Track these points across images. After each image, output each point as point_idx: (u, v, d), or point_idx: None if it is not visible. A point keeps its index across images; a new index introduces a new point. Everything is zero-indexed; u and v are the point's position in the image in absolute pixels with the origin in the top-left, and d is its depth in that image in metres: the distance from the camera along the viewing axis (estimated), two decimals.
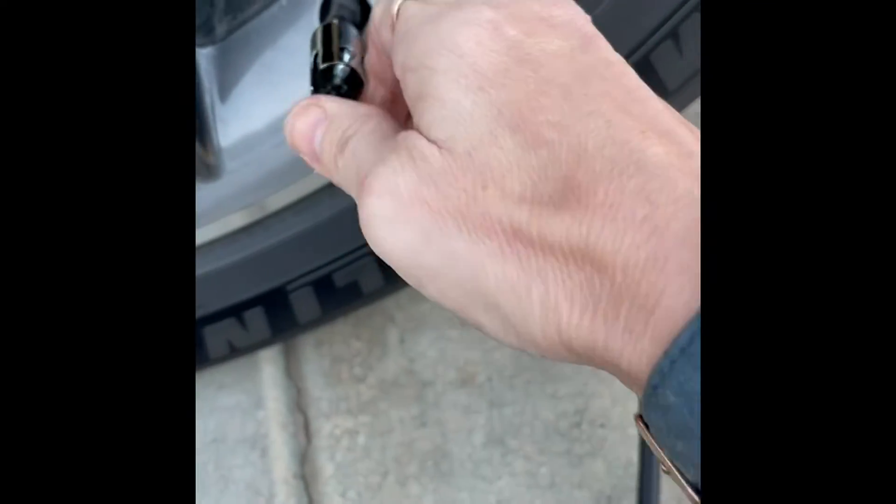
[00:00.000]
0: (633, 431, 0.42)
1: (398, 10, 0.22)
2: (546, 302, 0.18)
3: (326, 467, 0.43)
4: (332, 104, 0.24)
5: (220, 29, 0.35)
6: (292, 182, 0.36)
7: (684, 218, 0.17)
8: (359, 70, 0.27)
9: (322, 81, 0.27)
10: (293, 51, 0.34)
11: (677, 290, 0.16)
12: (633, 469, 0.41)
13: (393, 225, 0.19)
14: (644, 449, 0.37)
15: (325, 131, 0.23)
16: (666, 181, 0.17)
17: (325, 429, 0.44)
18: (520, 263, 0.18)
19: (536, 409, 0.43)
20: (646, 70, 0.32)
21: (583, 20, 0.21)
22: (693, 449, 0.17)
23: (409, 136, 0.20)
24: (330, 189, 0.37)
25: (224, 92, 0.35)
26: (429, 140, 0.19)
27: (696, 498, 0.17)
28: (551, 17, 0.20)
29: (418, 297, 0.47)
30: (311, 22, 0.33)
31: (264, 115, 0.35)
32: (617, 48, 0.21)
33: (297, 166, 0.36)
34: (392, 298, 0.47)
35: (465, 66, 0.19)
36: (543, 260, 0.18)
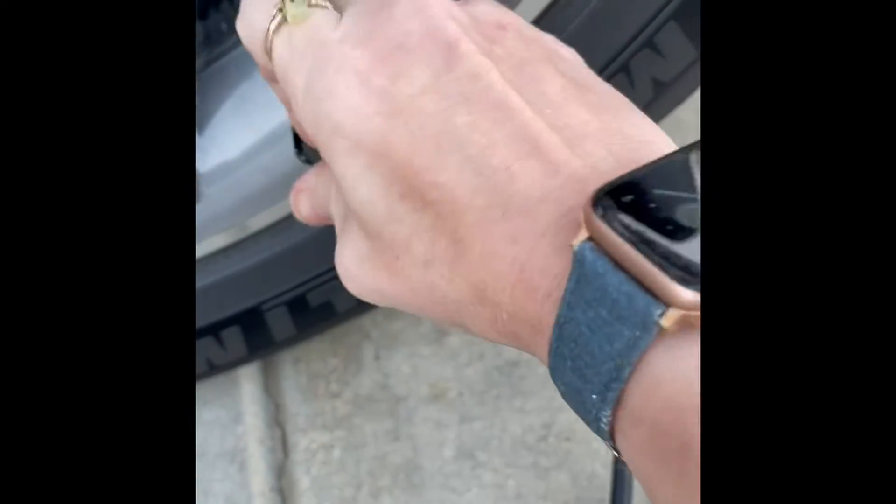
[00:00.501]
0: (597, 445, 0.43)
1: (270, 44, 0.23)
2: (482, 329, 0.21)
3: (303, 480, 0.45)
4: (310, 180, 0.27)
5: (199, 62, 0.37)
6: (266, 206, 0.38)
7: (545, 247, 0.18)
8: None
9: (303, 145, 0.29)
10: (266, 83, 0.35)
11: (549, 311, 0.18)
12: (598, 481, 0.42)
13: (356, 282, 0.23)
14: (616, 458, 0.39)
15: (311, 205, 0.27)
16: (527, 217, 0.19)
17: (301, 443, 0.46)
18: (446, 308, 0.21)
19: (504, 423, 0.45)
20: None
21: (439, 25, 0.20)
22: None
23: (347, 219, 0.23)
24: None
25: (202, 121, 0.37)
26: (355, 223, 0.22)
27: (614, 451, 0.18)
28: (407, 37, 0.20)
29: (393, 315, 0.49)
30: None
31: (240, 143, 0.37)
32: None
33: (271, 191, 0.38)
34: (368, 316, 0.49)
35: (352, 146, 0.20)
36: (459, 305, 0.20)
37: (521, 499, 0.42)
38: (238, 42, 0.36)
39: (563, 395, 0.19)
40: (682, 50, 0.33)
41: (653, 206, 0.17)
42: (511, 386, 0.46)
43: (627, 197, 0.17)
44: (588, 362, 0.17)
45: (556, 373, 0.19)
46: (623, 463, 0.21)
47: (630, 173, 0.18)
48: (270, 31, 0.22)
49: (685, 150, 0.19)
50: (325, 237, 0.39)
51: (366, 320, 0.49)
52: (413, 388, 0.46)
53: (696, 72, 0.35)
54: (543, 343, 0.19)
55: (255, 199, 0.38)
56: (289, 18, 0.22)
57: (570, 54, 0.23)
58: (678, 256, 0.16)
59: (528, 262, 0.19)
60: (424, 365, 0.47)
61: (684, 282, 0.16)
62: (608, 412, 0.17)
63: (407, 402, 0.46)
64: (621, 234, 0.17)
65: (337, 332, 0.49)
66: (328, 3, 0.23)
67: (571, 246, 0.17)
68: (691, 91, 0.36)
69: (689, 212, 0.17)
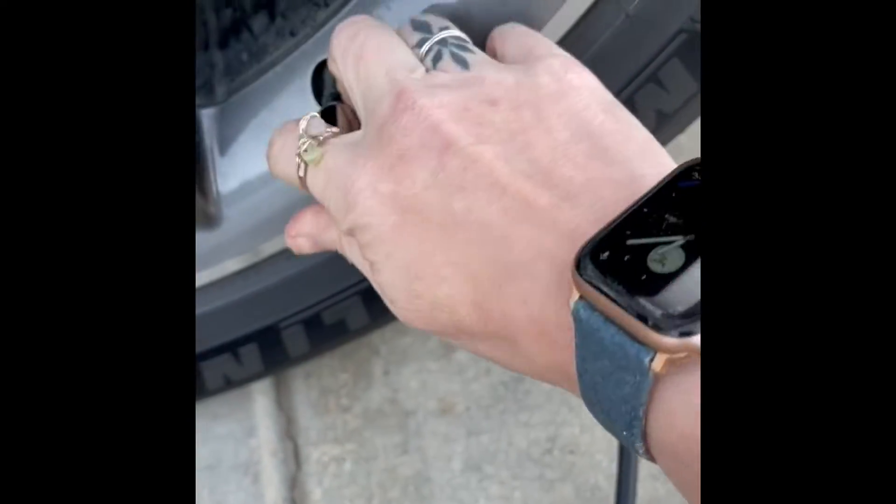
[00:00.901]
0: (600, 457, 0.45)
1: (304, 183, 0.28)
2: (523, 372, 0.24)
3: (315, 492, 0.46)
4: (308, 224, 0.32)
5: (220, 91, 0.39)
6: (284, 230, 0.40)
7: (553, 305, 0.21)
8: None
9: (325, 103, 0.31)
10: (286, 112, 0.37)
11: (572, 360, 0.20)
12: (601, 493, 0.44)
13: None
14: (622, 458, 0.40)
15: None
16: (531, 279, 0.21)
17: (313, 456, 0.47)
18: (489, 355, 0.24)
19: (511, 436, 0.46)
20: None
21: (434, 133, 0.23)
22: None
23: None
24: None
25: (224, 148, 0.38)
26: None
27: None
28: (407, 149, 0.24)
29: (402, 331, 0.50)
30: (302, 86, 0.36)
31: (260, 169, 0.38)
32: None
33: (288, 216, 0.40)
34: (377, 333, 0.50)
35: (373, 240, 0.24)
36: (497, 356, 0.24)
37: None
38: (259, 72, 0.38)
39: (604, 427, 0.21)
40: (685, 84, 0.35)
41: (628, 258, 0.19)
42: (517, 401, 0.47)
43: (605, 253, 0.19)
44: (609, 406, 0.19)
45: (591, 411, 0.21)
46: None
47: (607, 226, 0.20)
48: (299, 173, 0.28)
49: (664, 184, 0.21)
50: (338, 260, 0.41)
51: (375, 337, 0.50)
52: (421, 403, 0.48)
53: (697, 104, 0.36)
54: (575, 387, 0.20)
55: (273, 222, 0.39)
56: (309, 164, 0.27)
57: (577, 82, 0.25)
58: (655, 305, 0.18)
59: (543, 318, 0.21)
60: (432, 380, 0.49)
61: (662, 329, 0.18)
62: (641, 443, 0.19)
63: (416, 415, 0.48)
64: (604, 293, 0.19)
65: (347, 348, 0.50)
66: (332, 131, 0.27)
67: (570, 304, 0.20)
68: (691, 121, 0.38)
69: (661, 256, 0.19)
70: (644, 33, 0.34)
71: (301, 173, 0.28)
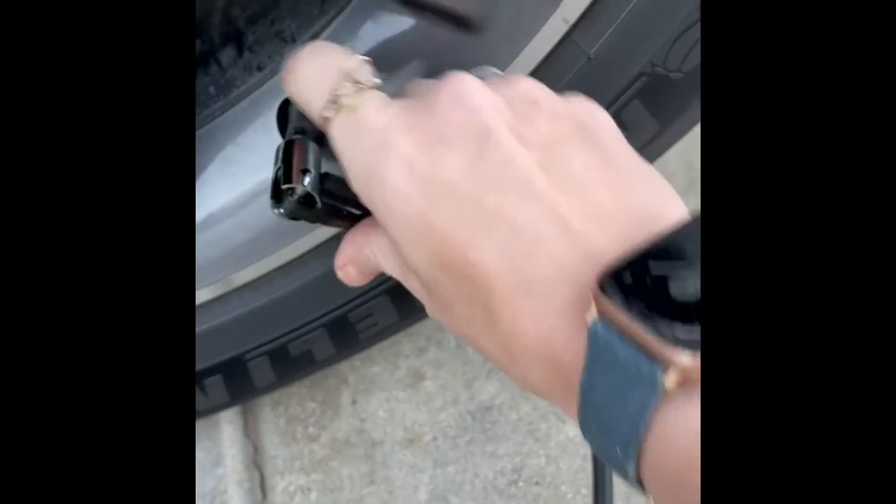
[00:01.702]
0: (565, 489, 0.45)
1: (326, 120, 0.26)
2: (516, 381, 0.24)
3: None
4: (348, 254, 0.31)
5: None
6: (249, 262, 0.40)
7: (565, 326, 0.21)
8: (314, 192, 0.31)
9: (282, 197, 0.31)
10: (251, 148, 0.37)
11: (574, 379, 0.20)
12: None
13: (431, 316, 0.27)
14: (596, 471, 0.40)
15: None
16: (548, 298, 0.21)
17: (279, 485, 0.47)
18: (488, 356, 0.24)
19: (477, 467, 0.46)
20: None
21: (476, 116, 0.23)
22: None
23: (405, 270, 0.27)
24: (283, 269, 0.40)
25: None
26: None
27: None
28: (446, 128, 0.23)
29: (370, 359, 0.50)
30: (267, 122, 0.36)
31: (225, 202, 0.38)
32: None
33: (254, 247, 0.40)
34: (346, 361, 0.50)
35: (400, 221, 0.24)
36: (496, 359, 0.24)
37: None
38: (225, 107, 0.38)
39: (593, 449, 0.21)
40: (646, 125, 0.36)
41: (650, 282, 0.20)
42: (483, 430, 0.47)
43: (629, 276, 0.20)
44: (609, 423, 0.20)
45: (584, 431, 0.21)
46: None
47: (634, 252, 0.20)
48: (325, 112, 0.26)
49: (684, 225, 0.21)
50: (305, 291, 0.41)
51: (343, 365, 0.50)
52: (389, 433, 0.48)
53: (658, 143, 0.37)
54: (571, 405, 0.21)
55: (238, 254, 0.39)
56: (342, 109, 0.25)
57: (602, 119, 0.25)
58: (672, 326, 0.19)
59: (552, 338, 0.21)
60: (400, 409, 0.49)
61: (678, 345, 0.18)
62: (633, 465, 0.19)
63: (383, 446, 0.48)
64: (625, 311, 0.19)
65: (315, 376, 0.50)
66: (377, 83, 0.26)
67: (586, 321, 0.20)
68: (652, 161, 0.38)
69: (682, 285, 0.20)
70: (605, 76, 0.34)
71: (328, 114, 0.26)
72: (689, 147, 0.56)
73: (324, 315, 0.41)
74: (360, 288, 0.40)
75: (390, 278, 0.39)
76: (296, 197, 0.30)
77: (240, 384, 0.43)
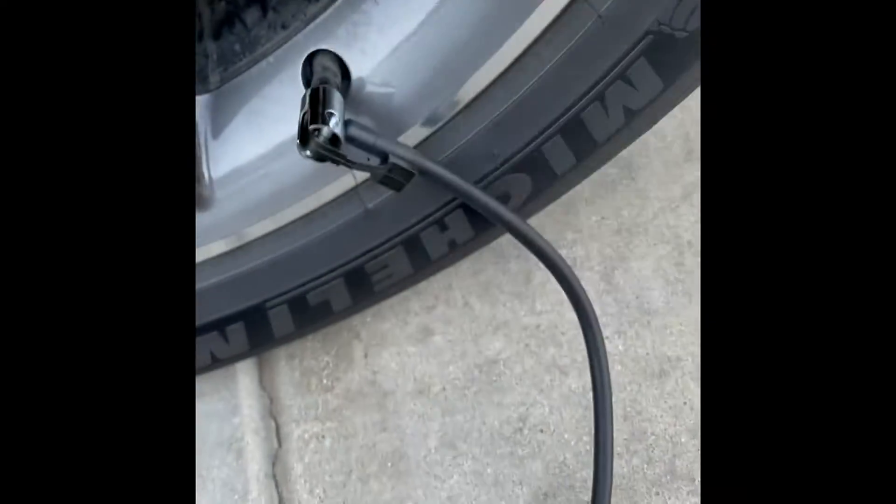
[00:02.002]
0: (568, 436, 0.47)
1: None
2: None
3: (296, 468, 0.48)
4: None
5: (213, 79, 0.41)
6: (272, 212, 0.42)
7: None
8: (338, 132, 0.33)
9: (307, 139, 0.33)
10: (276, 100, 0.39)
11: None
12: (568, 469, 0.46)
13: None
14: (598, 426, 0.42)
15: None
16: None
17: (294, 433, 0.49)
18: None
19: (484, 416, 0.48)
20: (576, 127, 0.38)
21: None
22: None
23: None
24: (304, 219, 0.42)
25: (216, 133, 0.40)
26: None
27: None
28: None
29: (381, 316, 0.53)
30: (293, 76, 0.38)
31: (250, 154, 0.40)
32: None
33: (276, 198, 0.42)
34: (358, 317, 0.52)
35: None
36: None
37: (499, 485, 0.46)
38: (251, 62, 0.40)
39: None
40: (652, 82, 0.38)
41: None
42: (490, 382, 0.49)
43: None
44: None
45: None
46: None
47: None
48: None
49: None
50: (323, 242, 0.43)
51: (356, 321, 0.52)
52: (400, 384, 0.50)
53: (662, 101, 0.39)
54: None
55: (261, 204, 0.41)
56: None
57: None
58: None
59: None
60: (410, 362, 0.51)
61: None
62: None
63: (394, 396, 0.50)
64: None
65: (329, 331, 0.52)
66: None
67: None
68: (658, 118, 0.40)
69: None
70: (614, 34, 0.36)
71: None
72: (685, 119, 0.58)
73: (342, 265, 0.43)
74: (378, 239, 0.42)
75: (407, 229, 0.41)
76: (321, 137, 0.32)
77: (260, 332, 0.45)
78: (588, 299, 0.42)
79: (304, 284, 0.44)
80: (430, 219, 0.42)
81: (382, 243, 0.42)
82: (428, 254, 0.43)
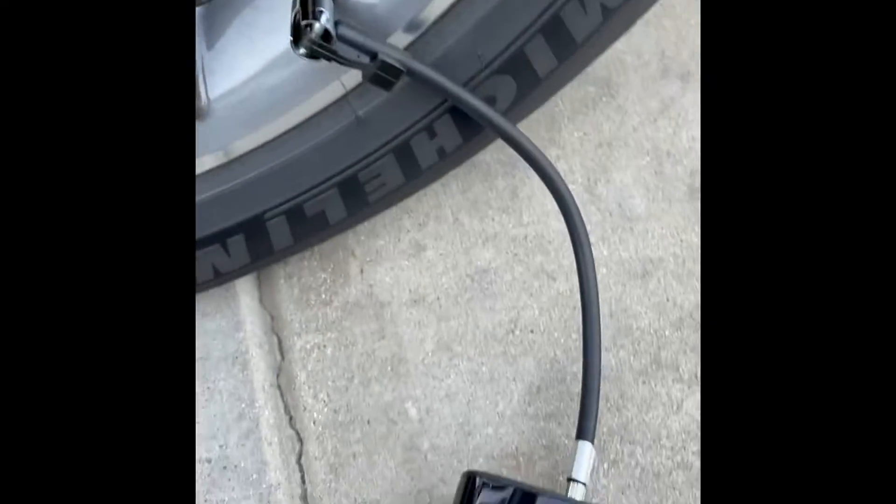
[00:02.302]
0: (557, 334, 0.50)
1: None
2: None
3: (299, 376, 0.50)
4: None
5: None
6: (266, 123, 0.43)
7: None
8: (329, 27, 0.35)
9: (300, 36, 0.34)
10: (268, 10, 0.41)
11: None
12: (558, 364, 0.49)
13: None
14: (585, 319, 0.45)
15: None
16: None
17: (296, 345, 0.51)
18: None
19: (476, 320, 0.51)
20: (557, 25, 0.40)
21: None
22: None
23: None
24: (297, 129, 0.44)
25: (210, 45, 0.42)
26: None
27: None
28: None
29: (374, 234, 0.54)
30: None
31: (244, 65, 0.42)
32: None
33: (271, 110, 0.43)
34: (353, 236, 0.54)
35: None
36: None
37: (494, 381, 0.49)
38: None
39: None
40: None
41: None
42: (482, 290, 0.52)
43: None
44: None
45: None
46: None
47: None
48: None
49: None
50: (317, 152, 0.44)
51: (350, 240, 0.54)
52: (395, 295, 0.52)
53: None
54: None
55: (256, 115, 0.43)
56: None
57: None
58: None
59: None
60: (405, 275, 0.53)
61: None
62: None
63: (391, 306, 0.52)
64: None
65: (325, 250, 0.54)
66: None
67: None
68: (635, 19, 0.42)
69: None
70: None
71: None
72: (661, 37, 0.60)
73: (335, 175, 0.45)
74: (369, 148, 0.44)
75: (397, 136, 0.42)
76: (313, 33, 0.34)
77: (260, 245, 0.47)
78: (573, 199, 0.44)
79: (299, 195, 0.45)
80: (419, 125, 0.43)
81: (374, 151, 0.44)
82: (418, 162, 0.45)
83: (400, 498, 0.46)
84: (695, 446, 0.45)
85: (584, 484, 0.42)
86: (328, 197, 0.46)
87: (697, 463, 0.45)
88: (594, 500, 0.45)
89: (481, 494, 0.39)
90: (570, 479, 0.42)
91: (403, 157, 0.45)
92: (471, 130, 0.44)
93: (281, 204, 0.45)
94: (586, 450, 0.42)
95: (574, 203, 0.44)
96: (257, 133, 0.44)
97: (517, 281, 0.52)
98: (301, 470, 0.48)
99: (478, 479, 0.40)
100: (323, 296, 0.53)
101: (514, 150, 0.44)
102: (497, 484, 0.40)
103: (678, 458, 0.45)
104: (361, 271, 0.54)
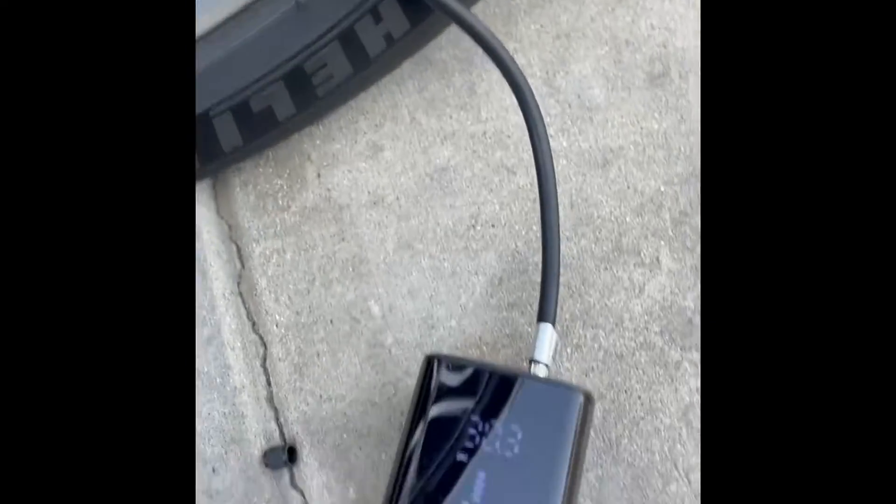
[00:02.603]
0: (518, 227, 0.49)
1: None
2: None
3: (260, 282, 0.50)
4: None
5: None
6: (201, 13, 0.42)
7: None
8: None
9: None
10: None
11: None
12: (520, 256, 0.49)
13: None
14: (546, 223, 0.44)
15: None
16: None
17: (255, 252, 0.51)
18: None
19: (437, 218, 0.50)
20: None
21: None
22: None
23: None
24: (235, 19, 0.42)
25: None
26: None
27: None
28: None
29: (330, 138, 0.53)
30: None
31: None
32: None
33: None
34: (308, 140, 0.53)
35: None
36: None
37: (456, 276, 0.48)
38: None
39: None
40: None
41: None
42: (442, 188, 0.51)
43: None
44: None
45: None
46: None
47: None
48: None
49: None
50: (258, 41, 0.43)
51: (306, 144, 0.53)
52: (354, 197, 0.51)
53: None
54: None
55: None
56: None
57: None
58: None
59: None
60: (363, 177, 0.52)
61: None
62: None
63: (349, 209, 0.51)
64: None
65: (280, 156, 0.53)
66: None
67: None
68: None
69: None
70: None
71: None
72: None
73: (279, 66, 0.43)
74: (312, 35, 0.43)
75: (341, 21, 0.41)
76: None
77: (208, 145, 0.46)
78: (526, 82, 0.43)
79: (243, 90, 0.44)
80: (363, 8, 0.42)
81: (317, 39, 0.43)
82: (366, 50, 0.44)
83: (365, 392, 0.46)
84: (657, 326, 0.45)
85: (546, 365, 0.42)
86: (274, 91, 0.44)
87: (660, 342, 0.45)
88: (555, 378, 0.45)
89: (441, 375, 0.39)
90: (531, 361, 0.42)
91: (349, 45, 0.43)
92: (418, 14, 0.43)
93: (224, 100, 0.44)
94: (547, 332, 0.42)
95: (528, 87, 0.43)
96: (199, 21, 0.42)
97: (477, 177, 0.51)
98: (266, 373, 0.48)
99: (436, 361, 0.40)
100: (280, 202, 0.52)
101: (467, 35, 0.43)
102: (457, 364, 0.39)
103: (640, 338, 0.45)
104: (318, 175, 0.53)
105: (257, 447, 0.45)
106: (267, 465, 0.44)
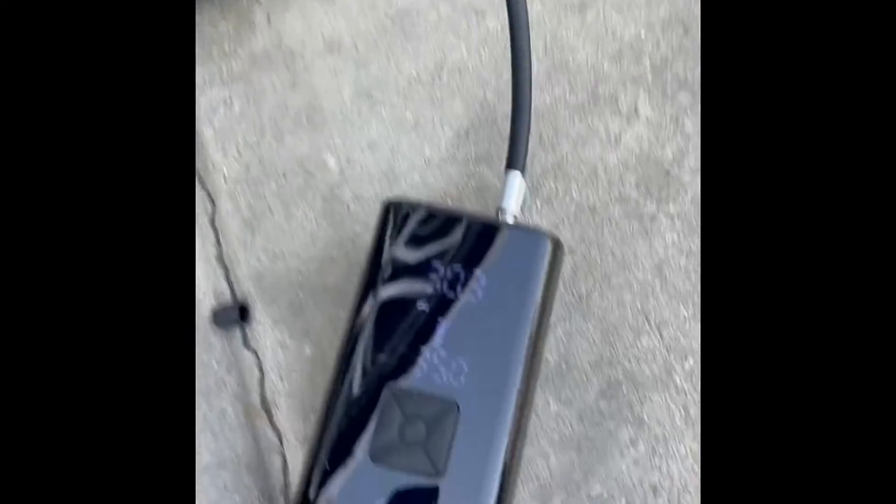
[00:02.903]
0: (487, 75, 0.46)
1: None
2: None
3: (205, 133, 0.46)
4: None
5: None
6: None
7: None
8: None
9: None
10: None
11: None
12: (489, 105, 0.45)
13: None
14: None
15: None
16: None
17: (200, 102, 0.46)
18: None
19: (399, 65, 0.46)
20: None
21: None
22: None
23: None
24: None
25: None
26: None
27: None
28: None
29: None
30: None
31: None
32: None
33: None
34: None
35: None
36: None
37: (419, 127, 0.45)
38: None
39: None
40: None
41: None
42: (404, 32, 0.47)
43: None
44: None
45: None
46: None
47: None
48: None
49: None
50: None
51: None
52: (308, 43, 0.47)
53: None
54: None
55: None
56: None
57: None
58: None
59: None
60: (317, 21, 0.47)
61: None
62: None
63: (303, 55, 0.47)
64: None
65: (224, 0, 0.48)
66: None
67: None
68: None
69: None
70: None
71: None
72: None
73: None
74: None
75: None
76: None
77: None
78: None
79: None
80: None
81: None
82: None
83: (321, 248, 0.43)
84: (633, 179, 0.43)
85: (514, 216, 0.39)
86: None
87: (635, 195, 0.42)
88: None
89: (400, 221, 0.36)
90: (498, 210, 0.39)
91: None
92: None
93: None
94: (516, 180, 0.39)
95: None
96: None
97: (443, 21, 0.47)
98: (215, 231, 0.45)
99: (396, 206, 0.37)
100: (226, 48, 0.47)
101: None
102: (418, 209, 0.37)
103: (615, 191, 0.43)
104: (268, 19, 0.48)
105: (206, 307, 0.43)
106: (217, 325, 0.41)
